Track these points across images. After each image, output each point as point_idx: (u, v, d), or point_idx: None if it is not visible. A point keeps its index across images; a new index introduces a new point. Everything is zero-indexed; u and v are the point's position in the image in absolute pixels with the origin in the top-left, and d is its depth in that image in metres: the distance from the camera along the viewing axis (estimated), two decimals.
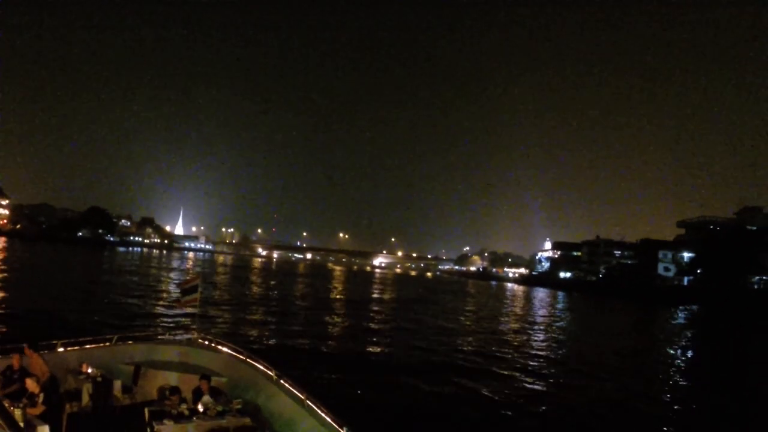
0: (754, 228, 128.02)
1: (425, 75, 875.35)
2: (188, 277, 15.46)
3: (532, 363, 27.85)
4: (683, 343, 45.40)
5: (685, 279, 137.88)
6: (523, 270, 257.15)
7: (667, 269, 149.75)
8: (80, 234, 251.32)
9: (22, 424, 8.87)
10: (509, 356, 29.49)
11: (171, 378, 12.24)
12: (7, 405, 9.15)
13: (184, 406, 10.39)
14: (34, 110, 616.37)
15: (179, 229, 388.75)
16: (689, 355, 38.81)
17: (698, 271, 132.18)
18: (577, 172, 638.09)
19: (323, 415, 9.39)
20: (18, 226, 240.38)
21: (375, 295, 67.65)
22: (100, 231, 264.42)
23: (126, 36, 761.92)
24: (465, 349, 30.84)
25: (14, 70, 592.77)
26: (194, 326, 14.63)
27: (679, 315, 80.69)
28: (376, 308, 44.54)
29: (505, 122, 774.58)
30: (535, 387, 22.32)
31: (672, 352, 38.89)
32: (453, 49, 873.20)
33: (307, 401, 10.00)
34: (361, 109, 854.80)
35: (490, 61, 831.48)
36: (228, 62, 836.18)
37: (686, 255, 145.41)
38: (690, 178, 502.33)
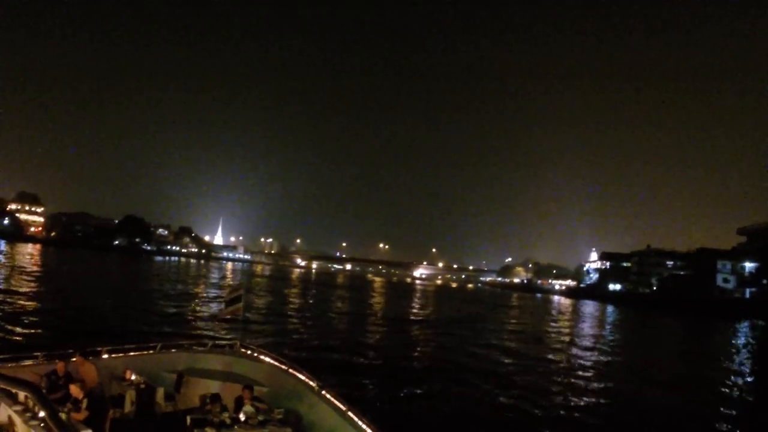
0: None
1: (466, 82, 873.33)
2: (232, 287, 15.77)
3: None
4: (749, 364, 43.55)
5: (747, 291, 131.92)
6: (569, 282, 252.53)
7: (726, 280, 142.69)
8: (116, 242, 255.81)
9: None
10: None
11: (213, 386, 12.48)
12: None
13: (225, 415, 10.63)
14: (76, 121, 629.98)
15: (218, 239, 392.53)
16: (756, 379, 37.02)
17: (763, 282, 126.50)
18: (624, 179, 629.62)
19: (364, 426, 9.57)
20: (53, 234, 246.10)
21: (415, 310, 67.12)
22: (137, 240, 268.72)
23: (168, 44, 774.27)
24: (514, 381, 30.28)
25: (55, 82, 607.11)
26: (237, 335, 14.92)
27: (742, 330, 77.30)
28: (416, 330, 43.94)
29: (549, 129, 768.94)
30: None
31: (737, 376, 37.15)
32: (492, 56, 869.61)
33: (349, 412, 10.14)
34: (404, 117, 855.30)
35: (531, 67, 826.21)
36: (269, 70, 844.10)
37: (748, 265, 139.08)
38: (748, 183, 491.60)
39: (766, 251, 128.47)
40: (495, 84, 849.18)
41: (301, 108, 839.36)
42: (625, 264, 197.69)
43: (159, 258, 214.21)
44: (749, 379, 35.67)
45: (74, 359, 11.48)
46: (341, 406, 10.48)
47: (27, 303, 36.56)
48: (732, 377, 35.35)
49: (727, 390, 30.01)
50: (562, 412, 20.72)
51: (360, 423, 9.73)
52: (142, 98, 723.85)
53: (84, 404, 9.84)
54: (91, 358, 12.18)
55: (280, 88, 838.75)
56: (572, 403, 22.28)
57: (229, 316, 16.12)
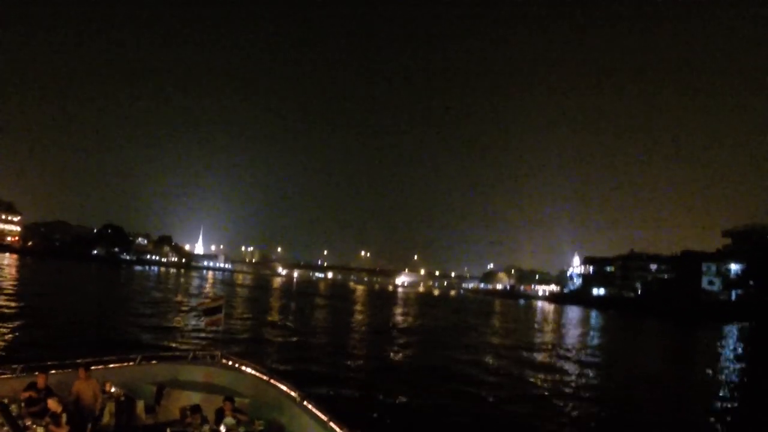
0: None
1: (445, 88, 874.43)
2: (211, 298, 15.81)
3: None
4: (736, 367, 43.94)
5: (733, 293, 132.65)
6: (553, 287, 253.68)
7: (711, 283, 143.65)
8: (95, 252, 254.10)
9: None
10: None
11: (194, 398, 12.44)
12: (29, 423, 9.62)
13: (206, 427, 10.67)
14: (53, 127, 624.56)
15: (199, 248, 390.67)
16: (744, 381, 37.45)
17: (749, 283, 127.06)
18: (606, 184, 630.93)
19: None
20: (29, 244, 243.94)
21: (397, 320, 66.87)
22: (116, 249, 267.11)
23: (147, 50, 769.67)
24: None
25: (29, 86, 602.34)
26: (218, 347, 14.94)
27: (729, 333, 77.53)
28: (399, 341, 43.70)
29: (530, 135, 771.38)
30: None
31: (726, 376, 37.88)
32: (473, 61, 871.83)
33: (331, 423, 10.15)
34: (383, 125, 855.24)
35: (511, 72, 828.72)
36: (251, 76, 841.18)
37: (733, 267, 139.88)
38: (731, 185, 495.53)
39: (752, 253, 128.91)
40: (476, 90, 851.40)
41: (283, 117, 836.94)
42: (608, 268, 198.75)
43: (138, 268, 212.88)
44: (736, 380, 36.17)
45: (79, 372, 11.52)
46: (323, 417, 10.48)
47: (2, 315, 36.22)
48: (721, 380, 35.86)
49: (716, 393, 30.44)
50: (550, 419, 20.91)
51: None
52: (121, 105, 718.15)
53: (64, 419, 9.84)
54: (70, 370, 12.17)
55: (261, 97, 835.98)
56: (563, 410, 22.53)
57: (209, 327, 16.16)
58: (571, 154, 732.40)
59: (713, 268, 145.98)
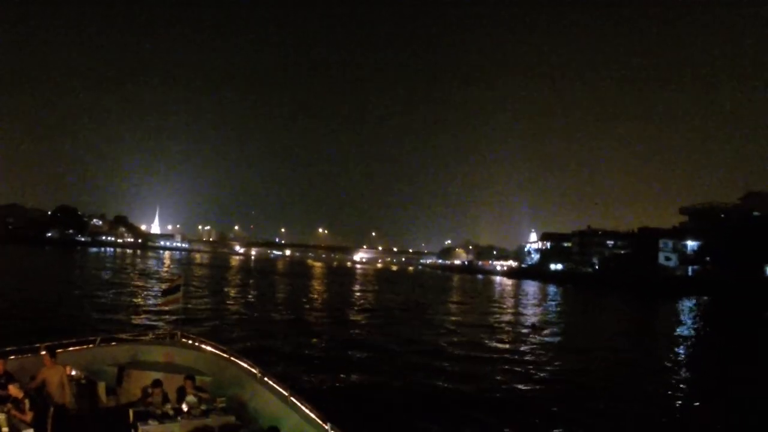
0: (759, 214, 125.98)
1: (404, 65, 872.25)
2: (170, 277, 15.96)
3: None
4: (694, 338, 44.79)
5: (690, 269, 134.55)
6: (511, 262, 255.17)
7: (668, 259, 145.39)
8: (49, 234, 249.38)
9: (6, 429, 9.33)
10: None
11: (155, 378, 12.63)
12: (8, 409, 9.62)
13: (168, 406, 10.78)
14: (6, 110, 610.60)
15: (155, 228, 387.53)
16: (700, 351, 38.54)
17: (706, 260, 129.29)
18: (563, 161, 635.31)
19: (307, 411, 9.84)
20: None
21: (356, 296, 66.97)
22: (70, 231, 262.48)
23: (99, 32, 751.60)
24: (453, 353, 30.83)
25: None
26: (177, 326, 15.06)
27: (685, 307, 78.51)
28: (357, 317, 43.61)
29: (487, 110, 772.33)
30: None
31: (683, 348, 38.57)
32: (434, 40, 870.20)
33: (291, 398, 10.43)
34: (340, 102, 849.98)
35: (471, 51, 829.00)
36: (202, 56, 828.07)
37: (690, 244, 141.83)
38: (687, 163, 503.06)
39: (708, 230, 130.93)
40: (430, 67, 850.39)
41: (237, 94, 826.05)
42: (565, 244, 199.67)
43: (94, 249, 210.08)
44: (692, 351, 37.13)
45: (44, 359, 11.28)
46: (284, 393, 10.75)
47: None
48: (680, 351, 36.71)
49: (675, 362, 31.54)
50: (511, 394, 21.38)
51: (303, 408, 9.99)
52: (73, 85, 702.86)
53: (27, 404, 9.80)
54: (29, 355, 12.19)
55: (214, 75, 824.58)
56: (522, 387, 22.87)
57: (168, 307, 16.28)
58: (528, 132, 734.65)
59: (669, 244, 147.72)
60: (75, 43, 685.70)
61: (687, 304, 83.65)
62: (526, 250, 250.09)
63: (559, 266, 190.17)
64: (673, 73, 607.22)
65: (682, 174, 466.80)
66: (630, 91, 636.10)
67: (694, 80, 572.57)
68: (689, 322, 58.94)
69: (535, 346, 34.17)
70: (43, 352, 11.50)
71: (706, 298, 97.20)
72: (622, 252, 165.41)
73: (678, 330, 48.88)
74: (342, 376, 22.04)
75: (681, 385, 25.64)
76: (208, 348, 13.72)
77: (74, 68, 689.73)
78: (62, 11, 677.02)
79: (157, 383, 11.48)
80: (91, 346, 13.46)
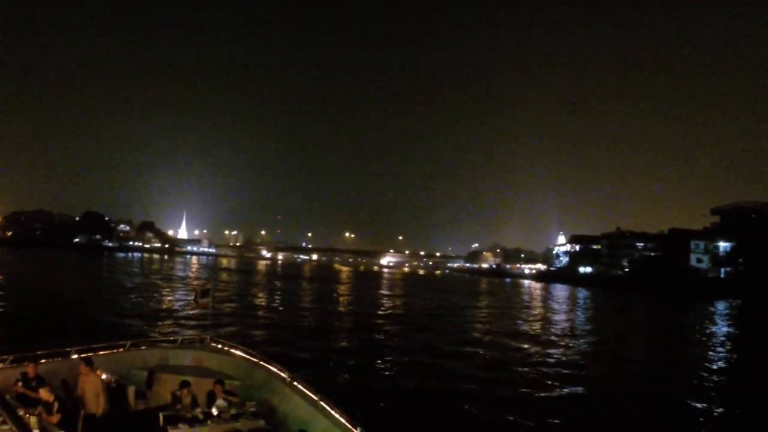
0: None
1: (429, 69, 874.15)
2: (201, 281, 16.10)
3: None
4: (728, 344, 43.04)
5: (722, 271, 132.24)
6: (539, 266, 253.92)
7: (699, 261, 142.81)
8: (76, 240, 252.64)
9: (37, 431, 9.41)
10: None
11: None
12: (22, 413, 9.71)
13: (198, 410, 10.88)
14: (32, 115, 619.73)
15: (183, 233, 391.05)
16: (736, 359, 36.59)
17: (739, 261, 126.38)
18: (590, 163, 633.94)
19: (337, 416, 9.80)
20: (8, 234, 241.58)
21: (383, 301, 66.61)
22: (97, 236, 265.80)
23: (123, 36, 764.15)
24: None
25: (7, 73, 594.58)
26: (207, 330, 15.13)
27: (719, 310, 76.70)
28: (385, 324, 42.96)
29: (514, 114, 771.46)
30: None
31: (718, 356, 36.66)
32: (458, 41, 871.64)
33: (321, 402, 10.40)
34: (367, 104, 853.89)
35: (496, 53, 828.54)
36: (229, 63, 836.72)
37: (722, 245, 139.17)
38: (717, 163, 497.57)
39: (742, 230, 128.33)
40: (456, 69, 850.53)
41: (265, 100, 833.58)
42: (594, 247, 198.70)
43: (121, 254, 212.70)
44: (728, 359, 36.07)
45: (80, 368, 11.34)
46: (313, 397, 10.73)
47: None
48: (712, 356, 35.75)
49: (709, 368, 30.53)
50: (542, 402, 21.00)
51: (333, 413, 9.95)
52: (100, 91, 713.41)
53: (56, 407, 9.93)
54: (60, 359, 12.27)
55: (243, 81, 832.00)
56: (556, 393, 22.56)
57: (198, 311, 16.36)
58: (556, 134, 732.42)
59: (701, 245, 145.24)
60: (107, 49, 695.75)
61: (720, 308, 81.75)
62: (554, 253, 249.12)
63: (588, 269, 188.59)
64: (704, 71, 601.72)
65: (711, 173, 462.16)
66: (657, 90, 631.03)
67: (725, 77, 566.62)
68: (723, 326, 57.39)
69: (569, 353, 33.55)
70: (79, 361, 11.55)
71: (738, 301, 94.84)
72: (652, 254, 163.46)
73: (713, 337, 47.13)
74: (370, 381, 21.93)
75: (719, 397, 24.94)
76: (238, 352, 13.77)
77: (106, 75, 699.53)
78: (91, 12, 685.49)
79: (184, 384, 11.58)
80: (121, 350, 13.56)
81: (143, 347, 14.00)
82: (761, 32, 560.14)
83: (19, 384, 10.92)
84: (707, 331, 50.97)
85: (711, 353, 37.41)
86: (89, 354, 12.43)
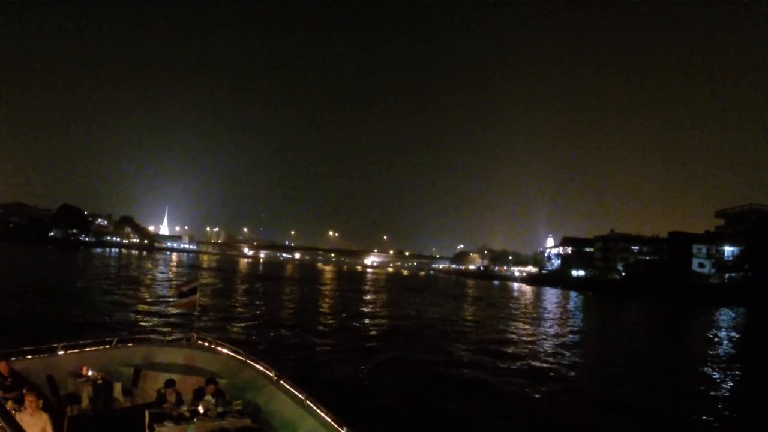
0: None
1: (416, 66, 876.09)
2: (187, 278, 16.43)
3: None
4: (733, 355, 41.93)
5: (726, 276, 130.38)
6: (530, 268, 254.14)
7: (701, 266, 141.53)
8: (51, 234, 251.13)
9: None
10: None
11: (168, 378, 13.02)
12: (10, 408, 9.95)
13: (184, 408, 11.17)
14: (8, 106, 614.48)
15: (164, 229, 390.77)
16: (740, 371, 35.11)
17: (744, 266, 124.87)
18: (582, 164, 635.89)
19: (323, 414, 10.15)
20: None
21: (367, 306, 66.57)
22: (74, 230, 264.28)
23: (104, 30, 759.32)
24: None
25: None
26: (193, 328, 15.44)
27: (724, 318, 75.70)
28: (370, 332, 43.06)
29: (503, 113, 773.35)
30: None
31: (721, 367, 35.45)
32: (447, 40, 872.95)
33: (307, 401, 10.76)
34: (351, 103, 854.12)
35: (486, 51, 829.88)
36: (211, 59, 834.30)
37: (727, 249, 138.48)
38: (714, 167, 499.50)
39: (749, 235, 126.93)
40: (444, 68, 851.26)
41: (248, 96, 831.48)
42: (587, 249, 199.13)
43: (98, 249, 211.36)
44: (731, 370, 35.36)
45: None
46: (299, 395, 11.09)
47: None
48: (718, 370, 34.82)
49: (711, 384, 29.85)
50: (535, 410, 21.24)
51: (318, 411, 10.29)
52: (80, 83, 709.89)
53: (40, 404, 10.11)
54: (46, 355, 12.57)
55: (226, 77, 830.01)
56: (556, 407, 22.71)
57: (183, 309, 16.63)
58: (546, 135, 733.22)
59: (704, 250, 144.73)
60: (84, 42, 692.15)
61: (723, 315, 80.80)
62: (546, 255, 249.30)
63: (581, 272, 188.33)
64: (703, 72, 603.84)
65: (708, 176, 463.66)
66: (654, 89, 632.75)
67: (726, 78, 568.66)
68: (728, 335, 56.18)
69: (568, 360, 33.66)
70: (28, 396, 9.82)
71: (741, 309, 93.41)
72: (648, 258, 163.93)
73: (718, 347, 45.75)
74: (356, 381, 22.39)
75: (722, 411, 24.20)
76: (225, 350, 14.08)
77: (84, 66, 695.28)
78: (67, 8, 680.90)
79: (170, 383, 11.94)
80: (107, 347, 13.87)
81: (130, 344, 14.27)
82: (767, 32, 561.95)
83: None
84: (712, 343, 48.53)
85: (713, 366, 36.27)
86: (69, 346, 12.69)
